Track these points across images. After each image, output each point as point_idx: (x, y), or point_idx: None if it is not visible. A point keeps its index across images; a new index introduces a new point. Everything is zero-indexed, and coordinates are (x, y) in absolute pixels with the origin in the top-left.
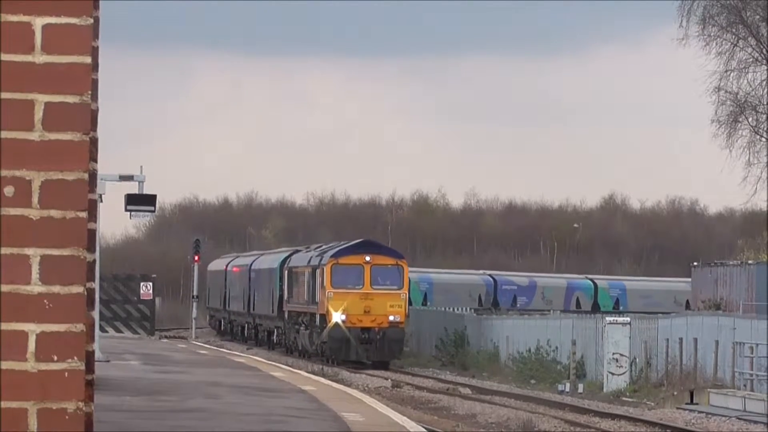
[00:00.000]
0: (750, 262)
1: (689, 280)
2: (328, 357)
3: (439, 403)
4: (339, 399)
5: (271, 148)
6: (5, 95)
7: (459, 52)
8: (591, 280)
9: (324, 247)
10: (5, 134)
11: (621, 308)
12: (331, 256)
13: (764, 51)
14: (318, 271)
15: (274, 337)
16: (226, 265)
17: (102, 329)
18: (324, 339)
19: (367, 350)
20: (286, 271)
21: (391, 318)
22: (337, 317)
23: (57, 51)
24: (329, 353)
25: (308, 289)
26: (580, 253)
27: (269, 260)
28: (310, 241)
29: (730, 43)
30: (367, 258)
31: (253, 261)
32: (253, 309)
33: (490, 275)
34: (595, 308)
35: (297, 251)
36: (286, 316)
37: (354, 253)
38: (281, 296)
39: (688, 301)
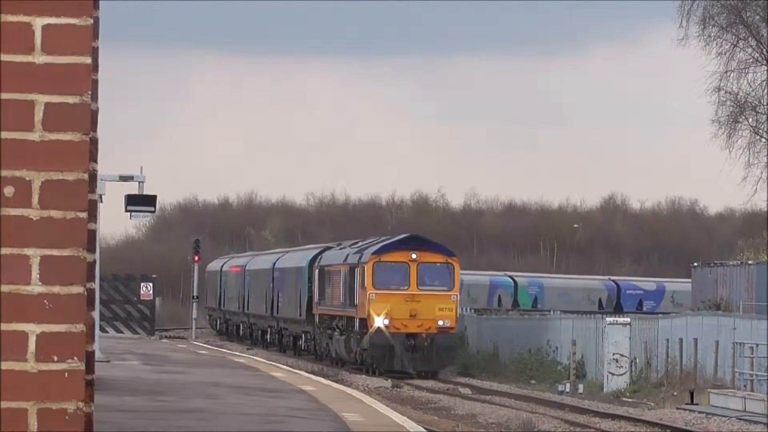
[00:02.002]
0: (750, 262)
1: (604, 278)
2: (369, 366)
3: (439, 404)
4: (339, 399)
5: (271, 148)
6: (5, 95)
7: (458, 52)
8: (511, 277)
9: (361, 243)
10: (5, 134)
11: (539, 306)
12: (373, 253)
13: (764, 51)
14: (357, 270)
15: (302, 342)
16: (244, 265)
17: (102, 329)
18: (365, 346)
19: (413, 359)
20: (317, 271)
21: (441, 323)
22: (379, 322)
23: (57, 51)
24: (370, 362)
25: (344, 290)
26: (580, 254)
27: (296, 258)
28: (310, 242)
29: (730, 44)
30: (414, 255)
31: (277, 260)
32: (277, 312)
33: None
34: (515, 306)
35: (328, 248)
36: (316, 320)
37: (398, 249)
38: (310, 298)
39: (600, 300)
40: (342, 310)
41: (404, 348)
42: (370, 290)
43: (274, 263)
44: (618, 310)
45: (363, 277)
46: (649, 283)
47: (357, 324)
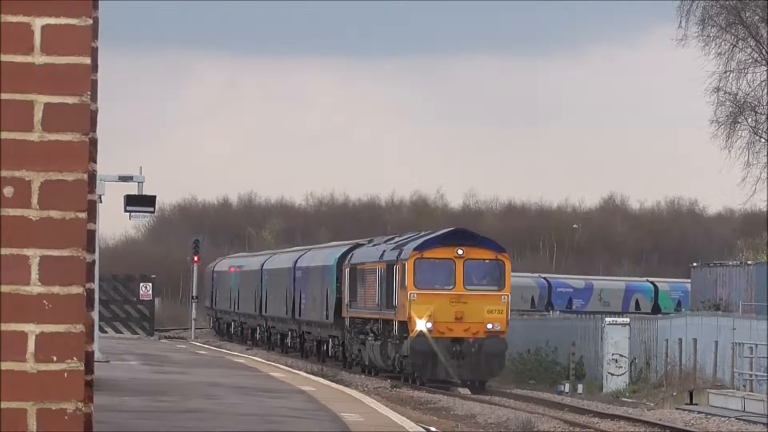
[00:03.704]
0: (749, 262)
1: (536, 275)
2: (409, 374)
3: (438, 404)
4: (338, 399)
5: (271, 148)
6: (5, 96)
7: (459, 52)
8: None
9: (398, 239)
10: (5, 135)
11: None
12: (414, 249)
13: (763, 52)
14: (396, 268)
15: (328, 348)
16: (261, 264)
17: (101, 330)
18: (405, 353)
19: (458, 367)
20: (347, 269)
21: (490, 326)
22: (421, 325)
23: (56, 52)
24: (411, 370)
25: (380, 290)
26: (580, 254)
27: (321, 256)
28: (309, 242)
29: (729, 44)
30: (460, 251)
31: (298, 258)
32: (299, 315)
33: None
34: None
35: (359, 245)
36: (347, 323)
37: (443, 244)
38: (339, 299)
39: (533, 297)
40: (378, 312)
41: (449, 354)
42: (411, 290)
43: (295, 262)
44: (549, 308)
45: (403, 276)
46: (578, 281)
47: (396, 328)
